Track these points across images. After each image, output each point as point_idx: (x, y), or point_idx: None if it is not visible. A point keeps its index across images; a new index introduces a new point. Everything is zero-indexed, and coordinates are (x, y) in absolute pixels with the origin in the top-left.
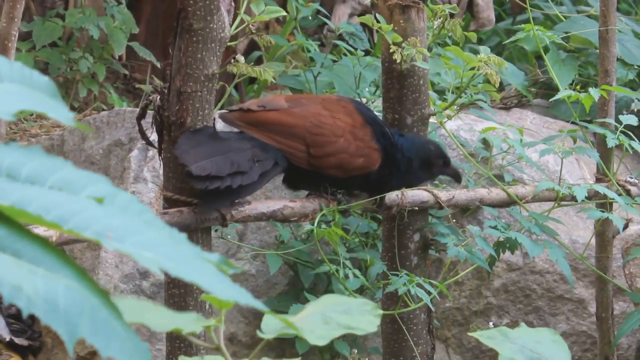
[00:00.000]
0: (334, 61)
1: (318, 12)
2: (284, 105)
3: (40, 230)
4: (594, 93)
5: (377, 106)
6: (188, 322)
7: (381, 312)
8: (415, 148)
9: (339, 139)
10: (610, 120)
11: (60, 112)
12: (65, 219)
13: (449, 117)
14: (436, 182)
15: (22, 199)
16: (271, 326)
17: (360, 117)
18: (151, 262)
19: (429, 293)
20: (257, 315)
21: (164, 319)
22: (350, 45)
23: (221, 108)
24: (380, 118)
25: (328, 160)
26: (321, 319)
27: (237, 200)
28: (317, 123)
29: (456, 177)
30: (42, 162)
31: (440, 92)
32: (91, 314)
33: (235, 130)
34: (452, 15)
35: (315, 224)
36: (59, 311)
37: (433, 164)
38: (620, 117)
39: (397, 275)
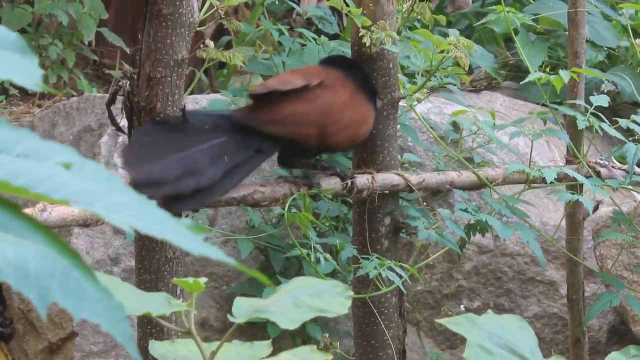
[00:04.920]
0: (303, 45)
1: None
2: (299, 84)
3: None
4: (564, 75)
5: None
6: (159, 305)
7: (352, 294)
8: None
9: (346, 112)
10: (581, 102)
11: (27, 75)
12: (33, 185)
13: (419, 101)
14: (406, 165)
15: None
16: (242, 310)
17: (351, 84)
18: (122, 223)
19: (401, 276)
20: (229, 301)
21: (135, 301)
22: (320, 30)
23: (191, 93)
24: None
25: (340, 135)
26: (292, 302)
27: (206, 202)
28: (327, 103)
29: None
30: (8, 133)
31: (410, 76)
32: (62, 277)
33: (218, 114)
34: None
35: (286, 209)
36: (30, 277)
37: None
38: (591, 98)
39: (369, 259)
